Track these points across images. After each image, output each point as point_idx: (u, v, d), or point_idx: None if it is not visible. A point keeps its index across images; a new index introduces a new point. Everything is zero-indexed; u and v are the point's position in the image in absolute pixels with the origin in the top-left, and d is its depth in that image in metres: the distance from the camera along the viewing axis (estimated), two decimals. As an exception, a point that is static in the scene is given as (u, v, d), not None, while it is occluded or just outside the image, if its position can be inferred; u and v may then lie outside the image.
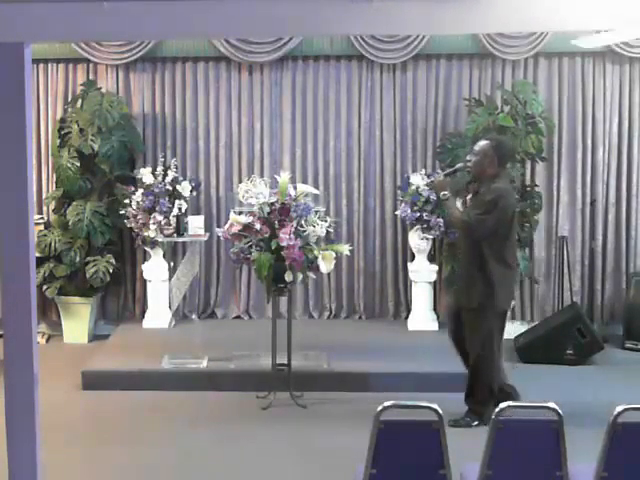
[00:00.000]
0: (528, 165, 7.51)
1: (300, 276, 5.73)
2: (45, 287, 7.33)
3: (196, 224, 7.25)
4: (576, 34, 6.64)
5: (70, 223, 7.33)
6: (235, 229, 5.77)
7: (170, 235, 7.16)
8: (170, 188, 7.20)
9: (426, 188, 7.06)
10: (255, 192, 5.77)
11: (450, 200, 5.46)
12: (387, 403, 3.33)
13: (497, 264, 5.33)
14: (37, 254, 6.82)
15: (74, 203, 7.40)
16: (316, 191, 6.24)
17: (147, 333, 7.31)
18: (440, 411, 3.28)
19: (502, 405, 3.30)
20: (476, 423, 5.45)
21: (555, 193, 7.61)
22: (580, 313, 6.98)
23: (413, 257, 7.50)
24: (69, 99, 7.61)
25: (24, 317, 3.42)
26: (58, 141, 7.44)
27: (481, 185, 5.42)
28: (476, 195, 5.44)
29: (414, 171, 7.44)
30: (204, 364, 6.36)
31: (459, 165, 5.73)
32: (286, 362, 5.92)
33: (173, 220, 7.13)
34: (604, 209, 7.62)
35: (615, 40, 6.92)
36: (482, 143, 5.47)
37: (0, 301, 3.46)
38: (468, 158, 5.53)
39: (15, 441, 3.49)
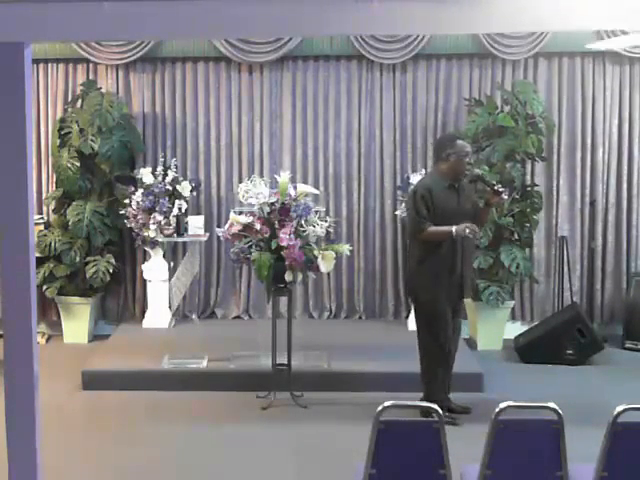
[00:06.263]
0: (528, 165, 7.51)
1: (300, 276, 5.74)
2: (45, 287, 7.33)
3: (196, 224, 7.26)
4: (588, 39, 6.65)
5: (70, 223, 7.33)
6: (235, 229, 5.77)
7: (170, 235, 7.17)
8: (170, 188, 7.21)
9: None
10: (255, 192, 5.77)
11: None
12: (387, 403, 3.34)
13: None
14: (37, 254, 6.82)
15: (74, 203, 7.40)
16: (316, 191, 6.24)
17: (147, 333, 7.31)
18: (440, 411, 3.29)
19: (502, 405, 3.30)
20: None
21: (555, 193, 7.61)
22: (580, 313, 6.97)
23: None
24: (69, 99, 7.62)
25: (24, 317, 3.41)
26: (58, 141, 7.44)
27: (461, 182, 5.52)
28: (462, 192, 5.49)
29: (414, 171, 7.43)
30: (204, 364, 6.36)
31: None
32: (286, 362, 5.92)
33: (173, 220, 7.14)
34: (604, 209, 7.61)
35: (632, 43, 6.81)
36: (465, 143, 5.52)
37: (0, 301, 3.46)
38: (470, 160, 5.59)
39: (15, 441, 3.48)
